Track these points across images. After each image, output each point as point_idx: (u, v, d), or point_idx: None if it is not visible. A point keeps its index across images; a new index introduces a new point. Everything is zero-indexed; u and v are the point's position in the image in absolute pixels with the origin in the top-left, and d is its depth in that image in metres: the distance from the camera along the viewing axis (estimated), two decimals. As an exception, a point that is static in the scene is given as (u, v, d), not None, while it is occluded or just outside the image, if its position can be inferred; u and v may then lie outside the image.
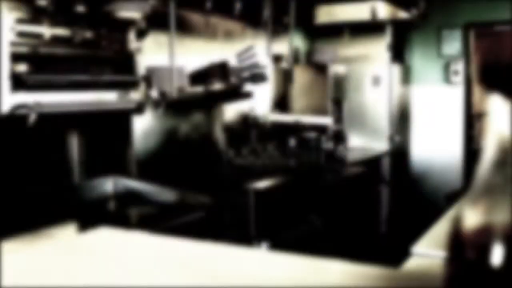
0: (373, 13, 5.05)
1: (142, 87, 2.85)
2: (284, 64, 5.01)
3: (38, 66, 2.49)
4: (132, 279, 0.59)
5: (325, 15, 5.14)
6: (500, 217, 0.39)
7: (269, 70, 4.51)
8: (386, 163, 5.37)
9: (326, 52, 4.96)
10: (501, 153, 0.40)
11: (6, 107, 2.18)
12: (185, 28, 3.82)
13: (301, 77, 4.97)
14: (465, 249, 0.39)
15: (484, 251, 0.38)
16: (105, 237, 0.70)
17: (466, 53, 5.75)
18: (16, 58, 2.29)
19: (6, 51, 2.18)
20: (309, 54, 5.04)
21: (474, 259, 0.38)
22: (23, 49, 2.33)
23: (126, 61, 2.81)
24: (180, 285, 0.57)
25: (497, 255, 0.38)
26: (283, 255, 0.65)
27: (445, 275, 0.41)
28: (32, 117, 2.20)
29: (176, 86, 3.09)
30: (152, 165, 3.29)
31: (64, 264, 0.64)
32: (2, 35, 2.17)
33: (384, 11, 5.09)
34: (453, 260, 0.40)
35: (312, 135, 4.69)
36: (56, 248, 0.71)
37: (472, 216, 0.40)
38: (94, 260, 0.66)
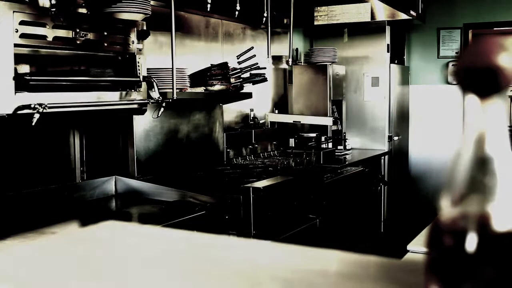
0: (372, 14, 5.08)
1: (143, 87, 2.88)
2: (284, 65, 5.04)
3: (41, 67, 2.52)
4: (138, 265, 0.62)
5: (325, 16, 5.17)
6: (476, 208, 0.42)
7: (269, 70, 4.54)
8: (385, 163, 5.40)
9: (326, 52, 4.99)
10: (479, 151, 0.44)
11: (10, 108, 2.21)
12: (185, 29, 3.86)
13: (301, 77, 5.00)
14: (442, 237, 0.42)
15: (460, 238, 0.41)
16: (112, 227, 0.73)
17: (465, 54, 5.78)
18: (19, 59, 2.32)
19: (11, 52, 2.21)
20: (309, 55, 5.07)
21: (450, 246, 0.42)
22: (26, 51, 2.36)
23: (127, 62, 2.84)
24: (185, 271, 0.60)
25: (471, 241, 0.41)
26: (280, 244, 0.68)
27: (426, 262, 0.45)
28: (36, 117, 2.23)
29: (177, 86, 3.13)
30: (153, 165, 3.32)
31: (70, 253, 0.68)
32: (6, 37, 2.20)
33: (383, 12, 5.12)
34: (432, 247, 0.44)
35: (311, 135, 4.72)
36: (61, 238, 0.74)
37: (450, 208, 0.43)
38: (101, 248, 0.69)
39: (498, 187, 0.41)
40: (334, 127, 5.06)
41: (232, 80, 3.72)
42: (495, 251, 0.40)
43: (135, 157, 3.21)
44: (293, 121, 4.75)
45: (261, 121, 4.59)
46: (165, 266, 0.62)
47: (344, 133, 5.28)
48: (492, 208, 0.41)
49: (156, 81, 2.92)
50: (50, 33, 2.39)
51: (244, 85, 3.89)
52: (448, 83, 5.89)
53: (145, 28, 2.91)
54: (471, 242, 0.40)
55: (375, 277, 0.59)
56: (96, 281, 0.59)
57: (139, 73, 2.84)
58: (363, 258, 0.64)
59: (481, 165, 0.42)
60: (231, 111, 4.25)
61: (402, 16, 5.10)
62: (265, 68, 4.06)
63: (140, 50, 2.87)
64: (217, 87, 3.63)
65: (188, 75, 3.45)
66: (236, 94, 3.87)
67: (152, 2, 2.97)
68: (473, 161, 0.43)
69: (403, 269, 0.63)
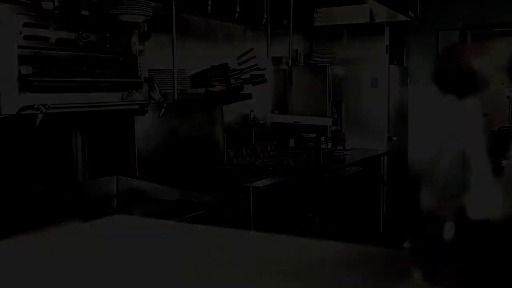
0: (372, 15, 5.11)
1: (145, 88, 2.91)
2: (284, 66, 5.07)
3: (44, 68, 2.55)
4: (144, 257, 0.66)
5: (324, 17, 5.20)
6: (453, 199, 0.46)
7: (269, 71, 4.57)
8: (384, 163, 5.43)
9: (325, 54, 5.02)
10: (456, 148, 0.47)
11: (14, 108, 2.24)
12: (186, 31, 3.89)
13: (300, 78, 5.03)
14: (425, 227, 0.46)
15: (440, 227, 0.45)
16: (118, 221, 0.76)
17: (463, 55, 5.80)
18: (23, 60, 2.35)
19: (15, 54, 2.24)
20: (308, 56, 5.10)
21: (432, 235, 0.45)
22: (30, 52, 2.39)
23: (129, 63, 2.87)
24: (188, 263, 0.64)
25: (449, 230, 0.45)
26: (279, 237, 0.71)
27: (410, 250, 0.48)
28: (39, 118, 2.26)
29: (178, 87, 3.16)
30: (154, 165, 3.36)
31: (77, 245, 0.71)
32: (10, 38, 2.23)
33: (382, 14, 5.14)
34: (416, 236, 0.47)
35: (311, 135, 4.75)
36: (67, 231, 0.78)
37: (433, 202, 0.47)
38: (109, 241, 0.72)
39: (473, 180, 0.45)
40: (334, 128, 5.09)
41: (232, 81, 3.76)
42: (470, 238, 0.44)
43: (137, 157, 3.24)
44: (293, 122, 4.78)
45: (261, 122, 4.62)
46: (165, 256, 0.65)
47: (344, 133, 5.30)
48: (468, 199, 0.45)
49: (157, 82, 2.95)
50: (53, 34, 2.42)
51: (244, 86, 3.92)
52: (447, 83, 5.91)
53: (146, 29, 2.94)
54: (449, 231, 0.44)
55: (368, 265, 0.62)
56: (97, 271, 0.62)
57: (141, 74, 2.87)
58: (358, 248, 0.67)
59: (458, 160, 0.46)
60: (231, 112, 4.28)
61: (401, 17, 5.12)
62: (265, 69, 4.09)
63: (141, 51, 2.90)
64: (218, 88, 3.66)
65: (188, 76, 3.48)
66: (236, 95, 3.90)
67: (153, 4, 3.00)
68: (451, 157, 0.46)
69: (396, 259, 0.66)
